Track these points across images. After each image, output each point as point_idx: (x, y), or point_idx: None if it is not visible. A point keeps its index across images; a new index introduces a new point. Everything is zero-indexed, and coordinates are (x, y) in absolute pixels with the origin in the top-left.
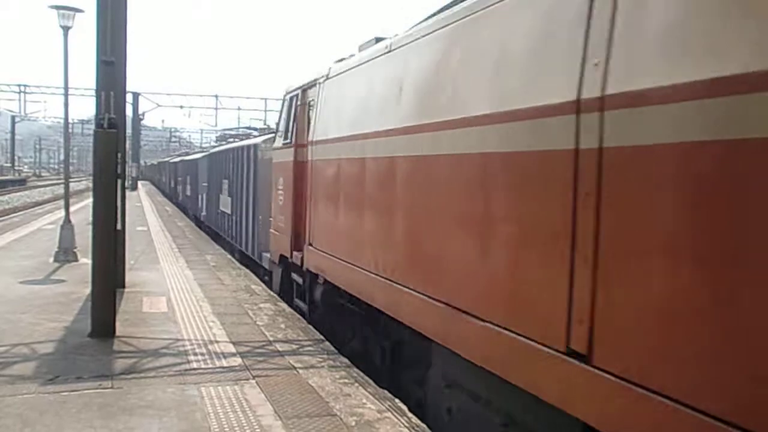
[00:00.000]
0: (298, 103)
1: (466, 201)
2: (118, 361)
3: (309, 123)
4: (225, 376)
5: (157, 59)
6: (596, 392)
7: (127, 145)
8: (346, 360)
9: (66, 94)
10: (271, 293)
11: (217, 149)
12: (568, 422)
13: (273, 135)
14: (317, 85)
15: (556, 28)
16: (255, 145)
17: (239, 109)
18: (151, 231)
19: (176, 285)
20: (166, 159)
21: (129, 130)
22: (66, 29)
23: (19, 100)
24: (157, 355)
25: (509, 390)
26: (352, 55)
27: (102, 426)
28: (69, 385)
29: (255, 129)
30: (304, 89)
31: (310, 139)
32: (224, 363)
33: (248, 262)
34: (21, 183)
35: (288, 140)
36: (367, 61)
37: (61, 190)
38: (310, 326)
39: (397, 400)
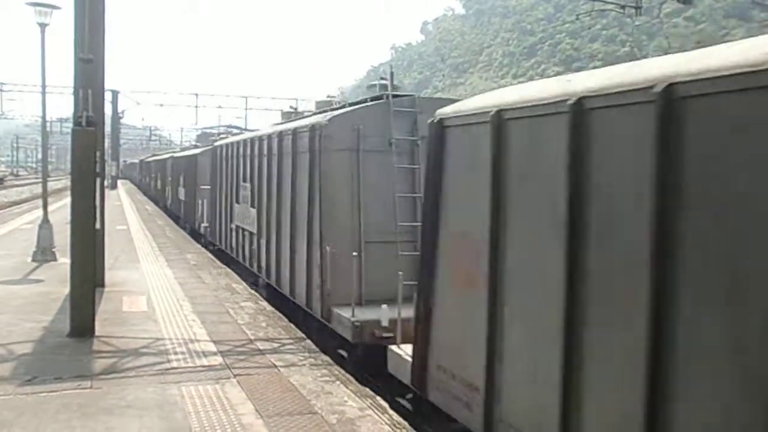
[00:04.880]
0: None
1: None
2: (98, 361)
3: None
4: (206, 375)
5: (136, 57)
6: None
7: (106, 144)
8: (327, 358)
9: (43, 92)
10: (252, 291)
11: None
12: None
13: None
14: None
15: None
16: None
17: (220, 107)
18: (131, 230)
19: (156, 284)
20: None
21: (108, 129)
22: (43, 26)
23: None
24: (137, 355)
25: None
26: None
27: (81, 426)
28: (47, 385)
29: (237, 128)
30: None
31: None
32: (205, 362)
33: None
34: None
35: None
36: None
37: (39, 189)
38: (291, 324)
39: (378, 398)
